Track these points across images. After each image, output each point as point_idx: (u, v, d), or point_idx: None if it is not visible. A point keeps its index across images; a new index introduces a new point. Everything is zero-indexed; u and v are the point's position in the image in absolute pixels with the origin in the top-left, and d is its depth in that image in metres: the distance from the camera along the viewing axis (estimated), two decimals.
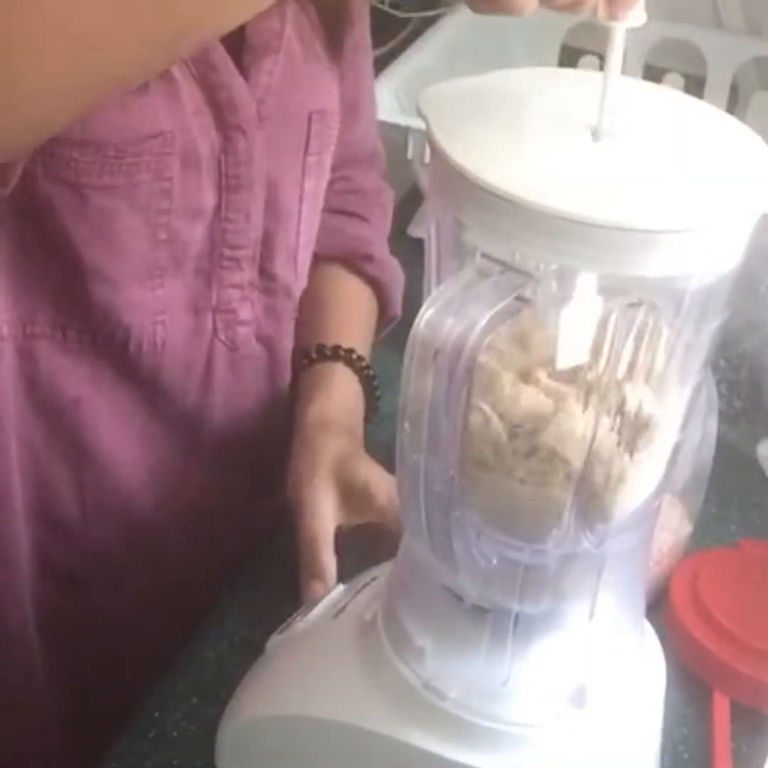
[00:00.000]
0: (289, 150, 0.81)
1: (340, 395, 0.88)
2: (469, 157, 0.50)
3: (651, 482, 0.60)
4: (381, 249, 0.98)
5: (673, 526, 0.87)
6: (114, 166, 0.70)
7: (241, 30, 0.75)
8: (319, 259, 0.91)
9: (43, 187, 0.69)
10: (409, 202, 1.27)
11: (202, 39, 0.64)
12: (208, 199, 0.76)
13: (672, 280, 0.52)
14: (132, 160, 0.71)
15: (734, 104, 1.37)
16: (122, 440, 0.80)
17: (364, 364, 0.90)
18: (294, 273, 0.84)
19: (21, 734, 0.87)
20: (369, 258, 0.96)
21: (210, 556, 0.89)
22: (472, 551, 0.57)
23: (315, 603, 0.71)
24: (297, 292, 0.86)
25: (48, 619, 0.85)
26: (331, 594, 0.72)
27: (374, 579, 0.70)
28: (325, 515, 0.79)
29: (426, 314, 0.49)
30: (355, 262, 0.96)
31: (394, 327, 1.01)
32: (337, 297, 0.94)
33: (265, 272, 0.82)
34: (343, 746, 0.64)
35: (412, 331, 0.50)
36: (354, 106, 0.91)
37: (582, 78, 0.59)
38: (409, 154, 1.16)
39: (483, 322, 0.48)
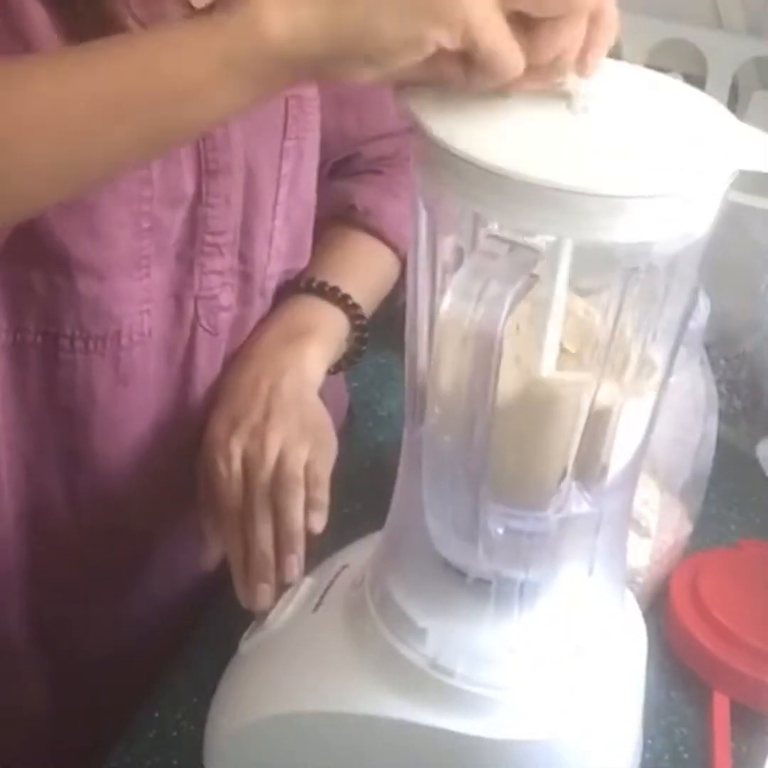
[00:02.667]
0: (266, 134, 0.81)
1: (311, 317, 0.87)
2: (443, 127, 0.51)
3: (638, 437, 0.61)
4: (370, 199, 0.96)
5: (673, 526, 0.87)
6: None
7: None
8: (319, 222, 0.90)
9: None
10: None
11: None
12: (188, 185, 0.76)
13: (637, 246, 0.53)
14: None
15: (734, 104, 1.37)
16: (115, 447, 0.80)
17: (353, 305, 0.89)
18: (267, 255, 0.84)
19: (18, 737, 0.87)
20: (352, 208, 0.95)
21: None
22: (488, 525, 0.58)
23: (285, 603, 0.71)
24: (267, 272, 0.85)
25: (43, 629, 0.84)
26: (299, 589, 0.72)
27: (345, 568, 0.71)
28: None
29: (447, 303, 0.50)
30: (346, 214, 0.95)
31: (393, 327, 1.01)
32: (333, 245, 0.93)
33: (243, 257, 0.82)
34: (356, 737, 0.64)
35: (438, 323, 0.51)
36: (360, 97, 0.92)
37: None
38: None
39: (507, 299, 0.49)
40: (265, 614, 0.72)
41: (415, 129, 0.53)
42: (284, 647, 0.69)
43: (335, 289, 0.88)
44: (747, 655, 0.78)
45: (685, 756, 0.76)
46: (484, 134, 0.51)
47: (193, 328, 0.80)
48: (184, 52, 0.55)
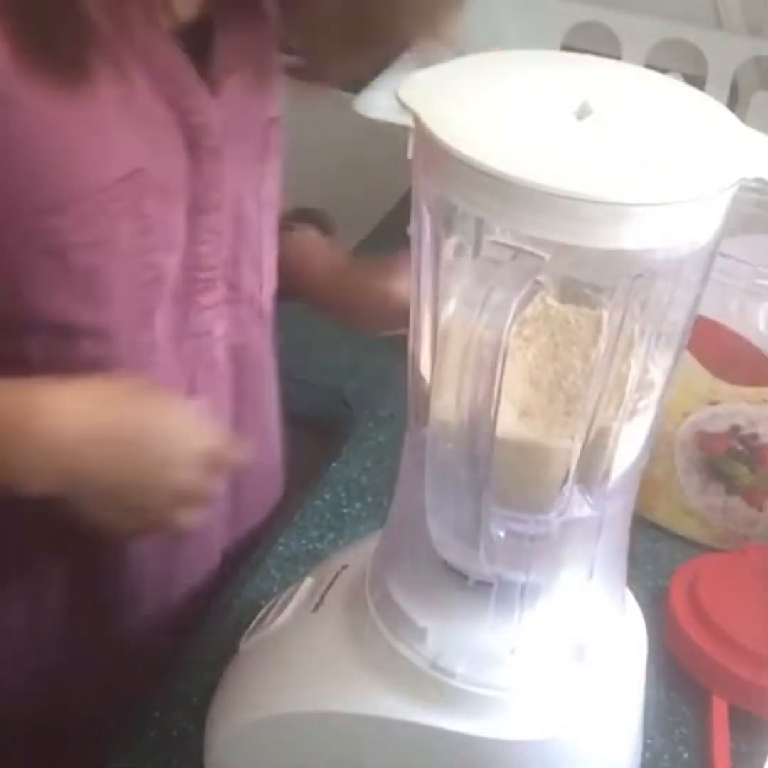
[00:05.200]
0: (249, 163, 0.80)
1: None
2: (448, 131, 0.51)
3: (641, 441, 0.61)
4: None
5: None
6: (95, 219, 0.69)
7: (207, 48, 0.73)
8: None
9: (22, 261, 0.68)
10: (409, 202, 1.26)
11: None
12: (181, 225, 0.75)
13: (641, 252, 0.53)
14: (113, 207, 0.69)
15: (734, 104, 1.37)
16: None
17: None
18: (259, 280, 0.84)
19: (18, 734, 0.87)
20: None
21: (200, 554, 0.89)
22: (490, 529, 0.58)
23: (284, 603, 0.71)
24: (261, 296, 0.85)
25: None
26: (299, 589, 0.72)
27: (345, 568, 0.71)
28: None
29: (450, 310, 0.50)
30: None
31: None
32: None
33: (233, 286, 0.81)
34: (355, 737, 0.64)
35: (442, 330, 0.51)
36: None
37: (557, 59, 0.61)
38: (410, 154, 1.15)
39: (512, 307, 0.49)
40: (264, 615, 0.72)
41: (418, 132, 0.53)
42: (284, 647, 0.69)
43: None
44: (745, 660, 0.78)
45: (685, 756, 0.76)
46: (489, 139, 0.51)
47: (193, 364, 0.80)
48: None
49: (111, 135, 0.68)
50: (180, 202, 0.74)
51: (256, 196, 0.81)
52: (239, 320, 0.83)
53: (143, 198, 0.70)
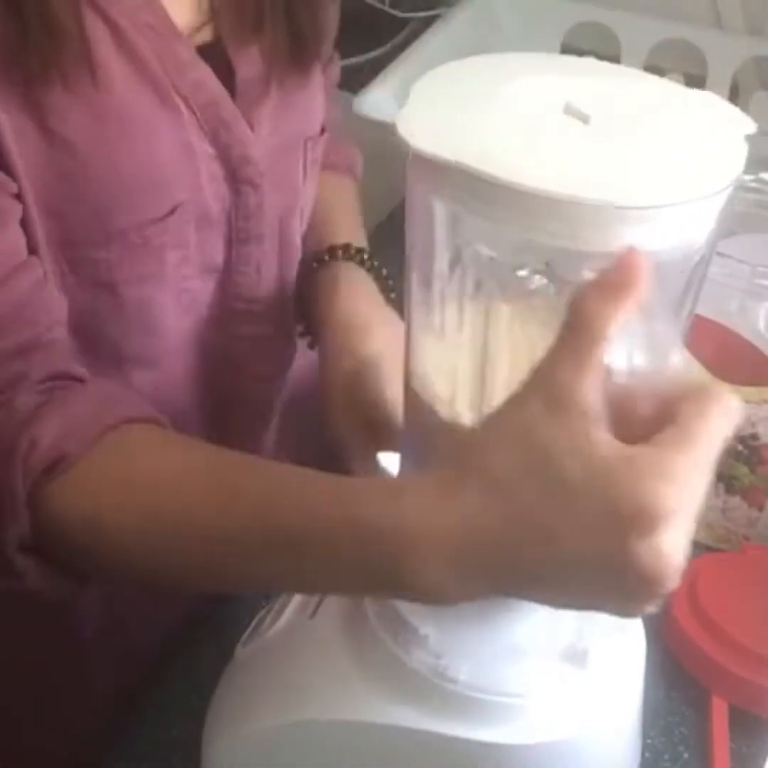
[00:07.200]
0: (290, 187, 0.79)
1: (359, 292, 0.83)
2: (448, 134, 0.51)
3: None
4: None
5: None
6: (143, 253, 0.70)
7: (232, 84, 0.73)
8: None
9: (78, 294, 0.69)
10: None
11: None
12: (218, 253, 0.75)
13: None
14: (158, 242, 0.70)
15: (734, 104, 1.37)
16: None
17: (369, 259, 0.85)
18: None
19: (16, 735, 0.87)
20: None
21: None
22: None
23: (280, 609, 0.71)
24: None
25: None
26: (295, 595, 0.71)
27: None
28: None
29: (447, 312, 0.50)
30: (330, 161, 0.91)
31: None
32: (332, 198, 0.91)
33: (279, 323, 0.82)
34: (355, 745, 0.64)
35: (438, 331, 0.52)
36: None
37: (556, 61, 0.61)
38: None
39: (507, 306, 0.50)
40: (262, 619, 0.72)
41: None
42: (281, 654, 0.69)
43: (361, 251, 0.85)
44: (745, 660, 0.78)
45: (685, 756, 0.76)
46: (488, 143, 0.51)
47: (231, 380, 0.81)
48: (320, 549, 0.52)
49: (162, 170, 0.68)
50: (220, 232, 0.74)
51: (299, 218, 0.82)
52: (281, 353, 0.84)
53: (184, 229, 0.71)
